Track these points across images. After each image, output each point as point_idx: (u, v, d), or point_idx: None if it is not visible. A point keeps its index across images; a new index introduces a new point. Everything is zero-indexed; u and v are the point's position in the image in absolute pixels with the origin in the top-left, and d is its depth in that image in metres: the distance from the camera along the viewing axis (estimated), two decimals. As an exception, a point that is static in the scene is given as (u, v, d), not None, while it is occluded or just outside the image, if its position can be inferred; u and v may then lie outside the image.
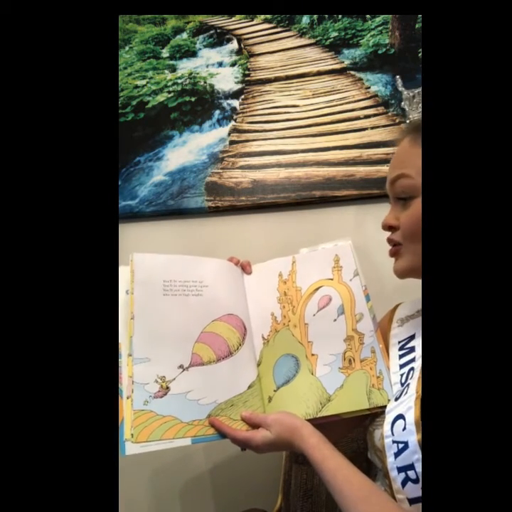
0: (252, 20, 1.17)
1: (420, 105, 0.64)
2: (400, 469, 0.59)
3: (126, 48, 1.20)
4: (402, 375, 0.68)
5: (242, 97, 1.16)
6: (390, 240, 0.66)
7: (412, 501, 0.57)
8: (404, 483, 0.58)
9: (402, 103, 0.70)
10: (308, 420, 0.65)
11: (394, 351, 0.72)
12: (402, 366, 0.69)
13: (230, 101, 1.16)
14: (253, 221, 1.13)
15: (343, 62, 1.12)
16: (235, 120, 1.15)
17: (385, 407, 0.66)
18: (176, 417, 0.63)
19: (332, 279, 0.77)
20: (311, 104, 1.12)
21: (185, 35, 1.19)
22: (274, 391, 0.71)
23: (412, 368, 0.66)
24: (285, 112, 1.13)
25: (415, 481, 0.57)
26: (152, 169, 1.17)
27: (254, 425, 0.66)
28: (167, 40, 1.20)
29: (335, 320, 0.74)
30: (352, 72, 1.12)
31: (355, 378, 0.70)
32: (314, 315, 0.75)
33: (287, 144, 1.12)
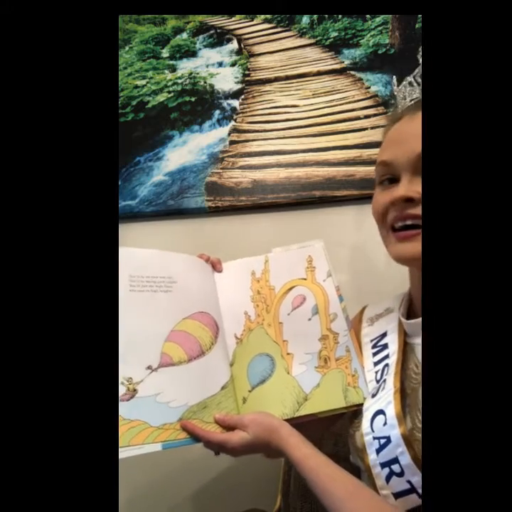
0: (252, 20, 1.17)
1: (412, 93, 0.62)
2: (382, 465, 0.59)
3: (126, 48, 1.20)
4: (377, 372, 0.68)
5: (242, 97, 1.16)
6: (414, 216, 0.57)
7: (397, 495, 0.57)
8: (388, 478, 0.58)
9: (397, 100, 0.68)
10: (286, 420, 0.64)
11: (367, 350, 0.72)
12: (376, 363, 0.69)
13: (230, 101, 1.16)
14: (253, 221, 1.13)
15: (343, 62, 1.12)
16: (235, 120, 1.15)
17: (361, 405, 0.66)
18: (144, 422, 0.59)
19: (305, 279, 0.77)
20: (311, 104, 1.12)
21: (185, 35, 1.19)
22: (249, 391, 0.69)
23: (387, 365, 0.66)
24: (285, 112, 1.13)
25: (400, 475, 0.57)
26: (152, 169, 1.17)
27: (229, 427, 0.64)
28: (167, 40, 1.20)
29: (309, 319, 0.74)
30: (352, 72, 1.12)
31: (331, 377, 0.70)
32: (289, 314, 0.75)
33: (287, 143, 1.12)
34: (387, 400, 0.61)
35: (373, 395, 0.65)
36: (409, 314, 0.70)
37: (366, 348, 0.73)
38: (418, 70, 0.66)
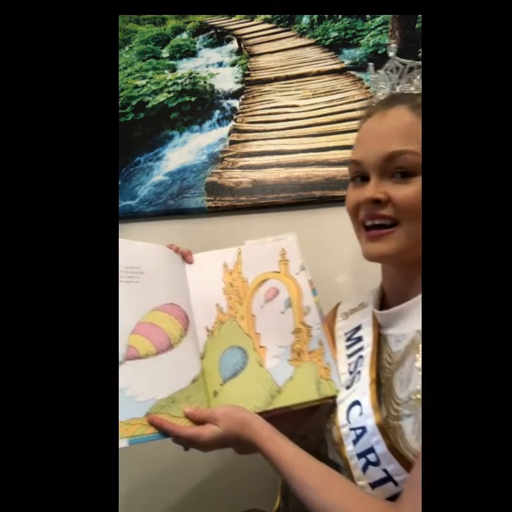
0: (252, 20, 1.17)
1: (412, 77, 0.60)
2: (359, 455, 0.59)
3: (126, 48, 1.20)
4: (350, 365, 0.68)
5: (242, 97, 1.16)
6: (382, 216, 0.59)
7: (374, 485, 0.58)
8: (365, 468, 0.58)
9: (383, 72, 0.66)
10: (258, 413, 0.63)
11: (341, 343, 0.72)
12: (349, 356, 0.69)
13: (230, 101, 1.16)
14: (253, 221, 1.13)
15: (343, 62, 1.12)
16: (235, 120, 1.15)
17: (334, 397, 0.67)
18: None
19: (279, 272, 0.77)
20: (311, 104, 1.12)
21: (185, 35, 1.19)
22: (221, 385, 0.68)
23: (361, 356, 0.67)
24: (285, 112, 1.13)
25: (376, 464, 0.57)
26: (152, 169, 1.17)
27: (199, 422, 0.62)
28: (167, 40, 1.20)
29: (282, 312, 0.74)
30: (352, 72, 1.12)
31: (304, 370, 0.69)
32: (262, 307, 0.74)
33: (287, 143, 1.12)
34: (362, 390, 0.62)
35: (348, 387, 0.65)
36: (382, 307, 0.70)
37: (340, 341, 0.73)
38: (389, 64, 0.64)
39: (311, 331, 0.73)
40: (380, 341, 0.66)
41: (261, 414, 0.64)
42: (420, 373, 0.55)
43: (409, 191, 0.57)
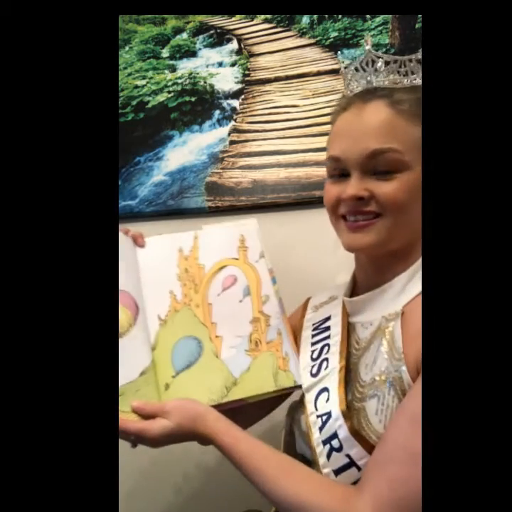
0: (252, 20, 1.17)
1: (386, 72, 0.59)
2: (324, 442, 0.59)
3: (126, 48, 1.20)
4: (313, 352, 0.67)
5: (242, 97, 1.16)
6: (366, 212, 0.60)
7: (337, 472, 0.58)
8: (329, 455, 0.58)
9: (355, 64, 0.65)
10: (214, 406, 0.61)
11: (307, 332, 0.71)
12: (313, 344, 0.68)
13: (230, 101, 1.16)
14: (253, 221, 1.13)
15: (343, 62, 1.12)
16: (235, 120, 1.15)
17: (292, 388, 0.66)
18: None
19: (237, 259, 0.73)
20: (311, 104, 1.12)
21: (185, 35, 1.19)
22: (173, 377, 0.64)
23: (327, 345, 0.66)
24: (285, 112, 1.13)
25: (339, 450, 0.57)
26: (152, 169, 1.17)
27: (148, 416, 0.58)
28: (167, 40, 1.20)
29: (240, 301, 0.71)
30: (352, 72, 1.12)
31: (261, 360, 0.67)
32: (219, 295, 0.71)
33: (287, 143, 1.12)
34: (331, 377, 0.62)
35: (314, 375, 0.65)
36: (352, 295, 0.71)
37: (307, 331, 0.72)
38: (365, 57, 0.63)
39: (269, 320, 0.70)
40: (349, 330, 0.67)
41: (216, 407, 0.61)
42: (386, 356, 0.57)
43: (393, 187, 0.58)
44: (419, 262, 0.60)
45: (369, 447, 0.55)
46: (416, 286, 0.59)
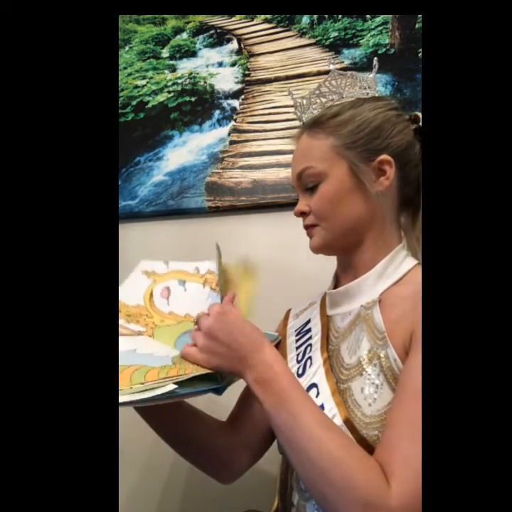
0: (252, 20, 1.17)
1: (311, 107, 0.76)
2: None
3: (126, 48, 1.20)
4: (298, 354, 0.71)
5: (242, 97, 1.16)
6: (306, 226, 0.72)
7: None
8: None
9: (294, 110, 0.79)
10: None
11: (291, 338, 0.75)
12: (297, 348, 0.72)
13: (230, 101, 1.16)
14: (253, 221, 1.13)
15: (343, 62, 1.12)
16: (235, 120, 1.15)
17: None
18: (144, 365, 0.58)
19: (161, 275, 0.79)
20: (311, 104, 1.12)
21: (185, 35, 1.19)
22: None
23: (310, 345, 0.70)
24: (285, 112, 1.13)
25: None
26: (152, 169, 1.17)
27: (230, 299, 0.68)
28: (167, 40, 1.20)
29: (186, 291, 0.77)
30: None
31: None
32: (168, 304, 0.76)
33: (287, 143, 1.12)
34: (317, 372, 0.64)
35: (300, 375, 0.67)
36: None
37: (290, 338, 0.75)
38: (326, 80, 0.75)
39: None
40: (328, 324, 0.70)
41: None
42: (368, 338, 0.61)
43: (316, 198, 0.69)
44: (392, 254, 0.66)
45: (360, 439, 0.56)
46: (390, 277, 0.65)
